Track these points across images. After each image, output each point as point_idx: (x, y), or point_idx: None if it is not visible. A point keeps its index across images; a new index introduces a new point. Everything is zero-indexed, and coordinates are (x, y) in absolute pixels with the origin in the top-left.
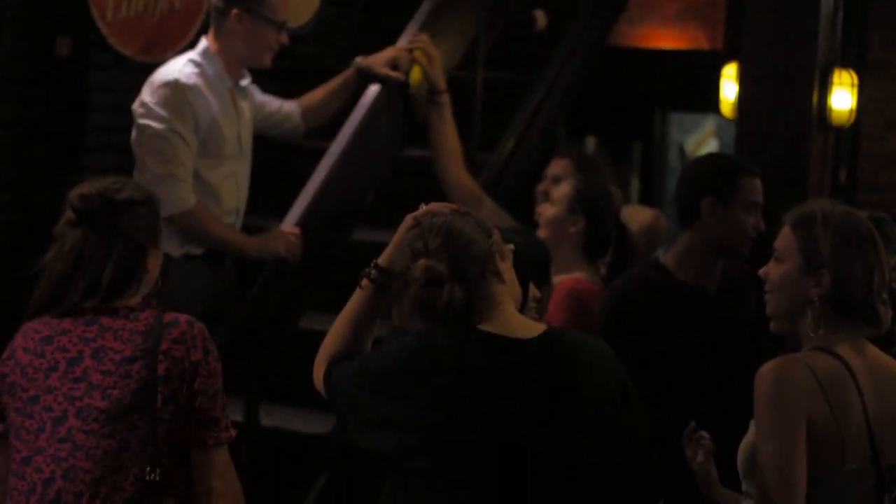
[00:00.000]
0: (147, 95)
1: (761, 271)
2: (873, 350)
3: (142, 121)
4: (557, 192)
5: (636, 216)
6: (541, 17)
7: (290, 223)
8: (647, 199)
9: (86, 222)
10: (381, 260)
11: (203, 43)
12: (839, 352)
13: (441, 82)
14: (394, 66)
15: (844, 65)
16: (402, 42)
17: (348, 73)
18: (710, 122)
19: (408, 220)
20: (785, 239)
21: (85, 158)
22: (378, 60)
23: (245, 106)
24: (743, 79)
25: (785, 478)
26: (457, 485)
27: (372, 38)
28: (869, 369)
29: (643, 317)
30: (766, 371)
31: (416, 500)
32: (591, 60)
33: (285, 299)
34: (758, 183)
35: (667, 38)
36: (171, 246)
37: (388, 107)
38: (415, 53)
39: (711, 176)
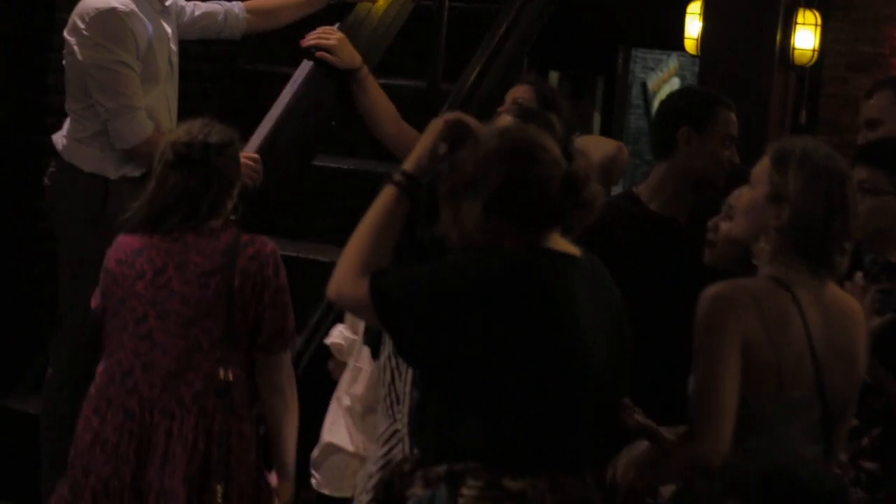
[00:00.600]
0: (82, 24)
1: (733, 194)
2: (834, 290)
3: (79, 50)
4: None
5: (598, 146)
6: None
7: (250, 150)
8: (607, 135)
9: (187, 165)
10: (408, 166)
11: None
12: (789, 282)
13: (355, 60)
14: None
15: (808, 5)
16: None
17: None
18: (673, 61)
19: (438, 123)
20: (761, 167)
21: (49, 76)
22: None
23: (170, 27)
24: (707, 16)
25: (713, 398)
26: (539, 399)
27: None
28: (822, 305)
29: (613, 244)
30: (707, 293)
31: (488, 415)
32: None
33: (247, 226)
34: (733, 116)
35: None
36: (110, 169)
37: (350, 34)
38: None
39: (689, 107)
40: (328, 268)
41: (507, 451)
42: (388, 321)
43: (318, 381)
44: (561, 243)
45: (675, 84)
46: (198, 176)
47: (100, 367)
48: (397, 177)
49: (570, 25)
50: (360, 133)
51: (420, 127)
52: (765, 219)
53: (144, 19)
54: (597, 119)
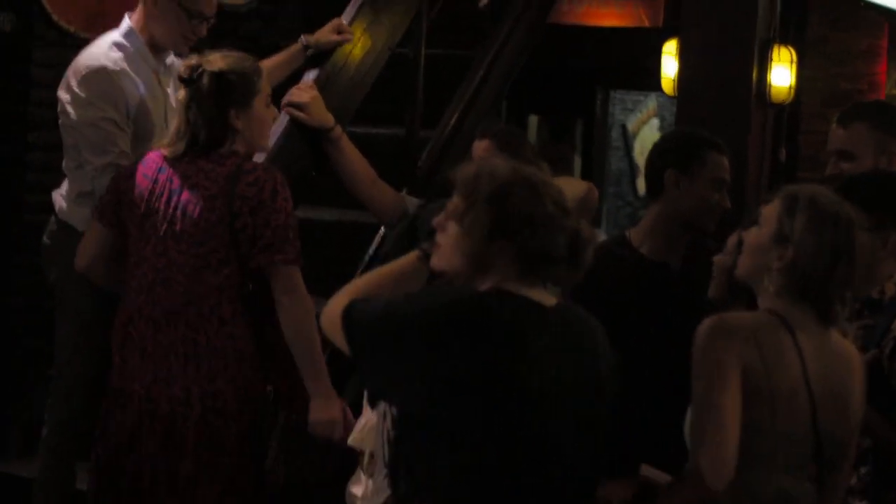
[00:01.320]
0: (74, 83)
1: (743, 231)
2: (833, 334)
3: (71, 110)
4: None
5: (568, 187)
6: None
7: None
8: (588, 177)
9: (186, 87)
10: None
11: (126, 22)
12: (788, 320)
13: (327, 120)
14: (339, 31)
15: (784, 42)
16: (346, 16)
17: (294, 47)
18: (652, 102)
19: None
20: (771, 207)
21: (29, 135)
22: (323, 31)
23: (170, 85)
24: (682, 55)
25: (714, 428)
26: (479, 444)
27: (316, 14)
28: (820, 346)
29: (604, 291)
30: (705, 324)
31: (432, 458)
32: (533, 36)
33: None
34: (724, 160)
35: (608, 16)
36: (81, 222)
37: (328, 85)
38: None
39: (676, 149)
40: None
41: (470, 495)
42: (349, 343)
43: None
44: (535, 292)
45: (654, 125)
46: (194, 99)
47: (126, 275)
48: (426, 246)
49: (548, 69)
50: (340, 183)
51: (400, 174)
52: (769, 258)
53: (136, 78)
54: (577, 162)
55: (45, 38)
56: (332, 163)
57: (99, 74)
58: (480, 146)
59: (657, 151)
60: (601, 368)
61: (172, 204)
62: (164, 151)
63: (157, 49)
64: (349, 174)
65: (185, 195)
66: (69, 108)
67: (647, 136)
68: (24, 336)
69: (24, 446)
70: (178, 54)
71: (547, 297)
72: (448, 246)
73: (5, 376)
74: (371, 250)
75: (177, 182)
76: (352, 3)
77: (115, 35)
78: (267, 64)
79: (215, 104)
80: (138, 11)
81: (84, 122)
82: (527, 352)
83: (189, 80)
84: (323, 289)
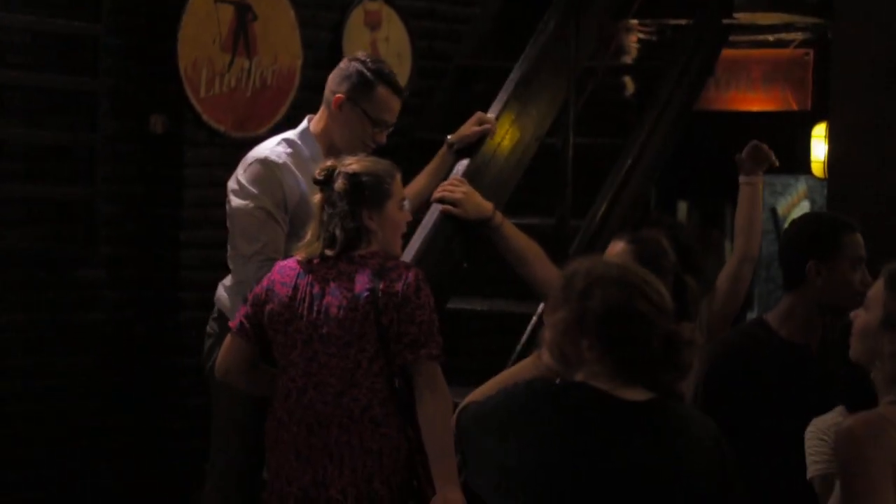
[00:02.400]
0: (239, 171)
1: (851, 314)
2: None
3: (232, 198)
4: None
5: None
6: (630, 83)
7: None
8: None
9: (323, 191)
10: None
11: (304, 123)
12: None
13: (484, 210)
14: (480, 123)
15: None
16: (493, 110)
17: (442, 150)
18: (801, 184)
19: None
20: (876, 289)
21: (182, 234)
22: (466, 125)
23: None
24: (832, 138)
25: None
26: None
27: (462, 107)
28: None
29: (747, 372)
30: (846, 430)
31: None
32: (680, 124)
33: None
34: (859, 238)
35: (755, 101)
36: (233, 312)
37: (477, 176)
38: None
39: (813, 238)
40: None
41: None
42: (456, 443)
43: None
44: (626, 391)
45: (804, 208)
46: (328, 201)
47: (277, 382)
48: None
49: (696, 154)
50: (491, 274)
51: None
52: (879, 344)
53: (299, 175)
54: (728, 247)
55: (196, 139)
56: (498, 249)
57: (260, 164)
58: (615, 248)
59: (793, 242)
60: (693, 464)
61: (315, 308)
62: (300, 256)
63: (333, 152)
64: (518, 257)
65: (328, 298)
66: (230, 197)
67: None
68: (188, 433)
69: None
70: None
71: (638, 394)
72: (546, 341)
73: (167, 473)
74: (523, 339)
75: (318, 286)
76: (499, 95)
77: (289, 133)
78: (422, 179)
79: (349, 204)
80: (320, 115)
81: (239, 209)
82: (577, 443)
83: (324, 182)
84: (475, 380)
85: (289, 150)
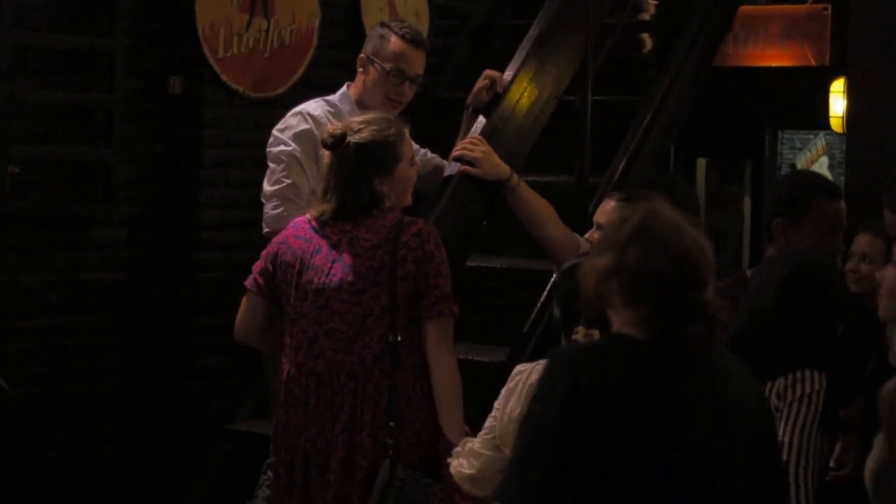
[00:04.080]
0: (278, 125)
1: (878, 273)
2: None
3: (268, 148)
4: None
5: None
6: (648, 40)
7: None
8: (758, 219)
9: (334, 156)
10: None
11: (344, 88)
12: None
13: (502, 171)
14: (490, 80)
15: None
16: (511, 69)
17: (466, 117)
18: (820, 140)
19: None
20: None
21: (201, 194)
22: (477, 86)
23: None
24: (851, 93)
25: None
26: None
27: (480, 65)
28: None
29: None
30: (888, 388)
31: None
32: (699, 80)
33: None
34: (833, 206)
35: (774, 56)
36: None
37: (495, 135)
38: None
39: (783, 197)
40: (487, 368)
41: None
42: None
43: None
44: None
45: (824, 163)
46: (336, 166)
47: (285, 338)
48: None
49: (715, 111)
50: (511, 231)
51: (570, 222)
52: None
53: None
54: (747, 203)
55: (214, 99)
56: (512, 210)
57: (295, 115)
58: (606, 206)
59: (770, 198)
60: (739, 415)
61: (331, 257)
62: (311, 215)
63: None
64: (532, 219)
65: (344, 247)
66: (268, 150)
67: None
68: (205, 393)
69: (206, 500)
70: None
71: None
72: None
73: (188, 434)
74: (543, 297)
75: (334, 236)
76: (517, 54)
77: (329, 96)
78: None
79: (360, 174)
80: (355, 81)
81: (269, 154)
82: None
83: (333, 147)
84: (493, 338)
85: (328, 107)
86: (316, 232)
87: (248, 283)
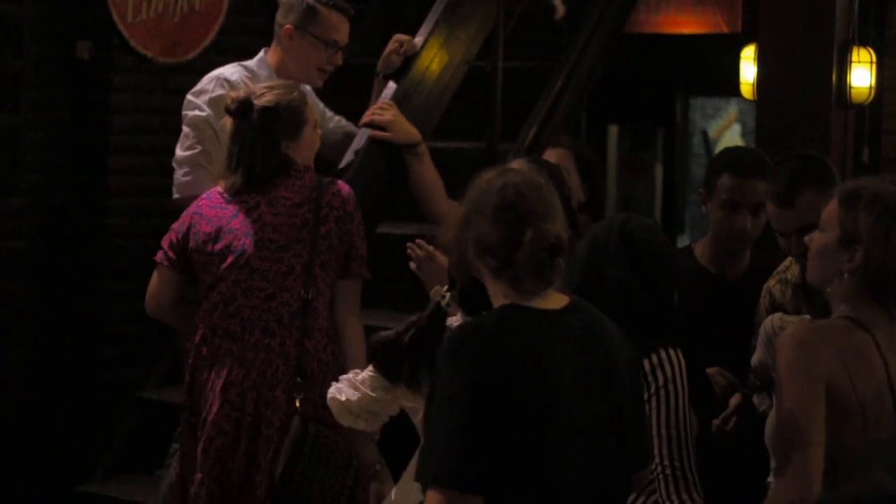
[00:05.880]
0: (194, 88)
1: (806, 238)
2: None
3: (183, 111)
4: None
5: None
6: (560, 6)
7: None
8: (670, 185)
9: (238, 123)
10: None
11: (261, 53)
12: (865, 323)
13: (412, 136)
14: (400, 44)
15: (863, 43)
16: (422, 34)
17: (377, 83)
18: (733, 107)
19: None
20: (830, 210)
21: (110, 160)
22: (387, 51)
23: None
24: (761, 60)
25: (803, 438)
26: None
27: (392, 31)
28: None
29: None
30: (787, 336)
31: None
32: (610, 47)
33: None
34: (739, 183)
35: (686, 23)
36: None
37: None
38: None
39: (706, 170)
40: None
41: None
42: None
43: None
44: (549, 299)
45: (735, 130)
46: (241, 132)
47: (201, 302)
48: None
49: (627, 78)
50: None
51: None
52: (837, 262)
53: None
54: (659, 170)
55: (123, 65)
56: (411, 177)
57: (212, 81)
58: (554, 154)
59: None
60: (619, 367)
61: (251, 217)
62: (220, 188)
63: None
64: (427, 189)
65: (264, 206)
66: (183, 114)
67: (729, 141)
68: (115, 361)
69: (115, 468)
70: (315, 89)
71: (554, 300)
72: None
73: (97, 402)
74: None
75: (252, 199)
76: (427, 18)
77: (246, 61)
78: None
79: (267, 137)
80: (272, 49)
81: (184, 118)
82: (541, 360)
83: (237, 113)
84: (405, 305)
85: (246, 73)
86: (230, 201)
87: (158, 256)
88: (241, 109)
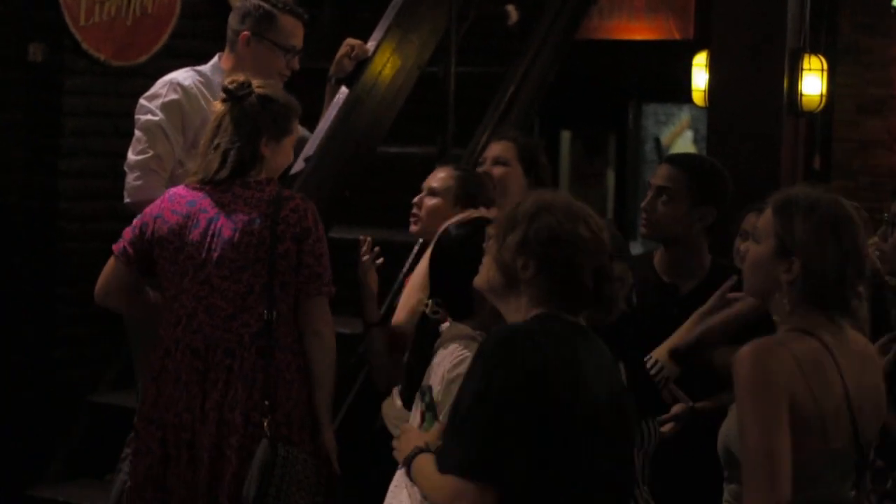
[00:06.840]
0: (147, 93)
1: (742, 247)
2: (852, 334)
3: (135, 115)
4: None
5: None
6: (513, 12)
7: None
8: (622, 192)
9: (231, 105)
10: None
11: (215, 58)
12: (816, 333)
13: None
14: (351, 48)
15: (814, 50)
16: (374, 38)
17: (329, 88)
18: (685, 114)
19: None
20: (764, 221)
21: (61, 163)
22: (339, 56)
23: None
24: (713, 67)
25: (771, 462)
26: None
27: (344, 34)
28: (847, 351)
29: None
30: (745, 354)
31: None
32: (562, 53)
33: None
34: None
35: (638, 30)
36: None
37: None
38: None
39: None
40: (347, 339)
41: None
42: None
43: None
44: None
45: (688, 137)
46: (232, 115)
47: (164, 312)
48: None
49: (579, 84)
50: (373, 202)
51: None
52: (774, 273)
53: (203, 102)
54: (610, 176)
55: (76, 67)
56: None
57: (165, 85)
58: (496, 148)
59: None
60: (621, 380)
61: (211, 231)
62: (190, 182)
63: None
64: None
65: (223, 221)
66: (135, 118)
67: (681, 148)
68: (66, 363)
69: (66, 472)
70: None
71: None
72: (486, 263)
73: (48, 404)
74: (405, 268)
75: (212, 210)
76: (380, 23)
77: (200, 66)
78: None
79: (253, 128)
80: (226, 55)
81: (137, 122)
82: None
83: (234, 96)
84: (355, 309)
85: (199, 78)
86: (192, 206)
87: (117, 248)
88: (240, 92)
